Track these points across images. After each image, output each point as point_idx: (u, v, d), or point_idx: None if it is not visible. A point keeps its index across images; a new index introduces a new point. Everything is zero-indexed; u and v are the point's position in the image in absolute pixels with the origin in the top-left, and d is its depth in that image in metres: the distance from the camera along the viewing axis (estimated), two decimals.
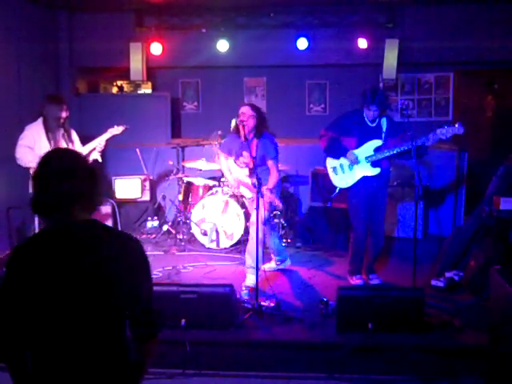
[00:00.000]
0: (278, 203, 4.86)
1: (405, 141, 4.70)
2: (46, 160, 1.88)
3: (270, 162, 5.05)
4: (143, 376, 1.96)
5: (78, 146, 5.38)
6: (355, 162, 4.87)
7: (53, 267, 1.76)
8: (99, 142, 5.39)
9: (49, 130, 5.12)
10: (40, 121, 5.14)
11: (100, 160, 5.43)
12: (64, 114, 5.16)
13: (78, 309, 1.76)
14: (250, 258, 4.97)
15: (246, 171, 5.20)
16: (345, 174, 4.97)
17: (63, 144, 5.23)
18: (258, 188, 4.49)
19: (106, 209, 6.61)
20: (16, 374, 1.83)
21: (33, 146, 5.05)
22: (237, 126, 5.04)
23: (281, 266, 5.51)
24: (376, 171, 4.86)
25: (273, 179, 5.00)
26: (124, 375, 1.86)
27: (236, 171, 5.32)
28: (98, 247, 1.81)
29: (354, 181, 4.94)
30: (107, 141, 5.49)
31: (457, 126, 4.60)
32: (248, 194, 5.27)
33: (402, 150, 4.69)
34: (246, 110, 4.95)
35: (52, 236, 1.82)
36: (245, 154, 5.08)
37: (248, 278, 4.99)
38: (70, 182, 1.80)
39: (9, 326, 1.79)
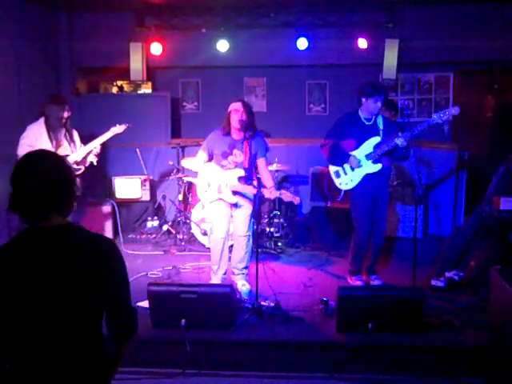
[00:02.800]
0: (297, 199, 4.49)
1: (402, 132, 4.71)
2: (26, 161, 1.88)
3: (261, 160, 4.80)
4: (115, 373, 2.00)
5: (78, 146, 5.38)
6: (357, 166, 4.89)
7: (28, 270, 1.77)
8: (100, 142, 5.36)
9: (50, 129, 5.13)
10: (42, 120, 5.14)
11: (95, 163, 5.42)
12: (66, 114, 5.16)
13: (54, 311, 1.78)
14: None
15: (236, 173, 4.76)
16: (347, 175, 4.98)
17: (65, 144, 5.23)
18: (258, 188, 4.48)
19: (106, 209, 6.63)
20: None
21: (34, 145, 5.05)
22: (228, 123, 4.70)
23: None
24: (378, 167, 4.86)
25: (269, 178, 4.79)
26: (99, 374, 1.89)
27: (219, 176, 4.81)
28: (74, 250, 1.83)
29: (358, 180, 4.94)
30: (108, 140, 5.47)
31: (453, 110, 4.58)
32: (231, 198, 4.76)
33: (399, 141, 4.69)
34: (238, 107, 4.67)
35: (28, 240, 1.83)
36: (236, 152, 4.71)
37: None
38: (47, 186, 1.81)
39: None
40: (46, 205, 1.82)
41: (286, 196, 4.50)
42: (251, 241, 4.89)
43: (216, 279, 4.94)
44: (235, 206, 4.78)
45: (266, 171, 4.85)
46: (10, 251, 1.81)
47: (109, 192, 7.01)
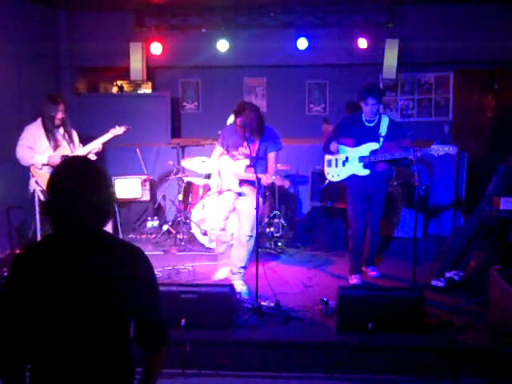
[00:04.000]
0: (286, 183, 4.72)
1: (400, 149, 4.73)
2: (64, 165, 1.83)
3: (270, 154, 4.86)
4: None
5: (77, 147, 5.39)
6: (336, 152, 5.00)
7: (54, 275, 1.74)
8: (99, 143, 5.37)
9: (47, 129, 5.13)
10: (39, 121, 5.16)
11: None
12: (60, 115, 5.14)
13: (80, 319, 1.75)
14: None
15: (244, 162, 4.88)
16: (337, 168, 5.08)
17: (64, 144, 5.23)
18: (258, 188, 4.49)
19: None
20: None
21: (33, 145, 5.08)
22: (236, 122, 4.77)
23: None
24: (365, 172, 4.93)
25: (270, 169, 4.83)
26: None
27: (229, 167, 4.99)
28: (103, 257, 1.79)
29: (343, 177, 5.05)
30: (107, 141, 5.47)
31: (451, 148, 4.59)
32: (236, 187, 4.90)
33: (394, 158, 4.78)
34: (246, 114, 4.67)
35: (56, 244, 1.79)
36: (245, 144, 4.77)
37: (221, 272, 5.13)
38: (86, 192, 1.75)
39: (9, 336, 1.77)
40: (84, 209, 1.76)
41: (277, 179, 4.66)
42: (252, 242, 4.89)
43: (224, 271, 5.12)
44: (239, 194, 4.89)
45: (271, 164, 4.90)
46: (37, 254, 1.78)
47: None
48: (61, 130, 5.27)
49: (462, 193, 6.70)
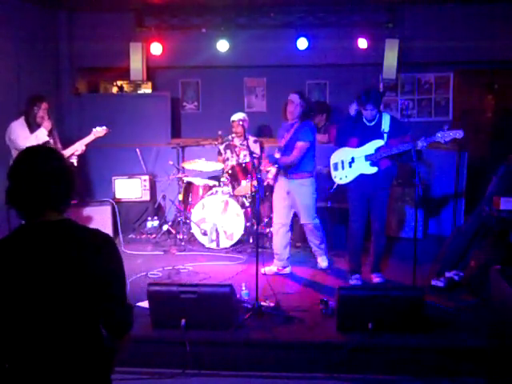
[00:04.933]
0: (264, 169, 5.33)
1: (405, 142, 4.73)
2: (23, 156, 1.88)
3: (297, 143, 5.17)
4: (113, 369, 2.00)
5: (58, 146, 5.37)
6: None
7: (24, 265, 1.78)
8: (82, 145, 5.36)
9: (31, 126, 5.17)
10: (22, 119, 5.20)
11: (76, 164, 5.44)
12: (41, 113, 5.16)
13: (50, 306, 1.79)
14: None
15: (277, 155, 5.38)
16: (344, 170, 5.03)
17: (50, 142, 5.21)
18: (257, 188, 4.50)
19: (106, 209, 6.62)
20: None
21: (29, 136, 5.13)
22: (284, 111, 5.34)
23: (281, 272, 5.49)
24: (373, 170, 4.90)
25: (287, 157, 5.19)
26: (98, 370, 1.89)
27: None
28: (71, 246, 1.83)
29: (351, 178, 4.99)
30: (90, 142, 5.47)
31: (458, 133, 4.58)
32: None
33: (400, 151, 4.74)
34: (294, 98, 5.27)
35: (25, 235, 1.84)
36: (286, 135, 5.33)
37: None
38: (46, 182, 1.82)
39: None
40: (42, 200, 1.83)
41: (265, 162, 5.33)
42: (317, 220, 5.44)
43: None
44: (262, 196, 5.32)
45: (295, 151, 5.18)
46: (6, 246, 1.82)
47: (109, 192, 7.02)
48: (44, 131, 5.23)
49: (462, 193, 6.70)
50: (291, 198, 5.29)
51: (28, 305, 1.77)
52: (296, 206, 5.32)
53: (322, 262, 5.58)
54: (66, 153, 5.29)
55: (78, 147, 5.33)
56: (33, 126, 5.18)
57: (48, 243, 1.81)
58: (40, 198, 1.82)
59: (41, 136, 5.13)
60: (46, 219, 1.85)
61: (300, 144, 5.15)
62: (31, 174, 1.82)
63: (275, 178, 5.36)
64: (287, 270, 5.50)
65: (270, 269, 5.40)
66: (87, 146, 5.53)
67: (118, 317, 1.95)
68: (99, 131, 5.48)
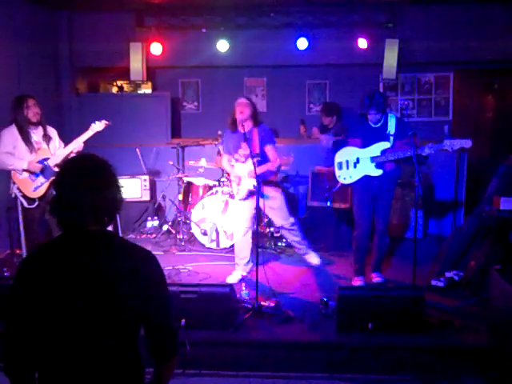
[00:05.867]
0: (290, 159, 5.44)
1: (411, 146, 4.67)
2: (70, 166, 1.82)
3: (267, 147, 5.03)
4: None
5: (57, 143, 5.23)
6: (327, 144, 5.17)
7: (63, 278, 1.72)
8: (80, 142, 5.25)
9: (23, 132, 4.94)
10: (13, 126, 4.96)
11: None
12: (32, 111, 4.95)
13: (87, 322, 1.72)
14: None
15: (248, 165, 4.97)
16: (348, 170, 5.00)
17: (43, 146, 5.04)
18: (257, 188, 4.50)
19: None
20: None
21: (12, 151, 4.91)
22: (232, 121, 5.05)
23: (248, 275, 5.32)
24: (378, 172, 4.86)
25: (269, 163, 5.03)
26: None
27: (237, 169, 5.17)
28: (111, 260, 1.77)
29: (355, 179, 4.95)
30: (88, 138, 5.37)
31: (466, 142, 4.55)
32: (252, 186, 5.04)
33: (406, 156, 4.70)
34: (241, 100, 5.05)
35: (64, 246, 1.77)
36: (243, 144, 4.97)
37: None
38: (91, 193, 1.75)
39: (19, 339, 1.73)
40: (85, 212, 1.75)
41: (282, 160, 5.29)
42: (296, 226, 5.35)
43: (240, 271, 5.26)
44: (262, 196, 4.87)
45: (272, 156, 5.08)
46: (45, 254, 1.76)
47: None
48: (39, 132, 5.07)
49: (462, 193, 6.70)
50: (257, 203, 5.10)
51: (61, 315, 1.71)
52: (268, 210, 5.16)
53: (313, 258, 5.52)
54: (65, 152, 5.17)
55: (76, 145, 5.20)
56: (26, 132, 4.95)
57: (86, 256, 1.74)
58: (84, 210, 1.75)
59: (18, 166, 4.89)
60: (87, 229, 1.77)
61: (270, 146, 5.06)
62: (76, 185, 1.74)
63: (248, 195, 5.11)
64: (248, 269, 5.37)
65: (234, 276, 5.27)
66: (86, 143, 5.41)
67: (158, 339, 1.85)
68: (98, 126, 5.33)
